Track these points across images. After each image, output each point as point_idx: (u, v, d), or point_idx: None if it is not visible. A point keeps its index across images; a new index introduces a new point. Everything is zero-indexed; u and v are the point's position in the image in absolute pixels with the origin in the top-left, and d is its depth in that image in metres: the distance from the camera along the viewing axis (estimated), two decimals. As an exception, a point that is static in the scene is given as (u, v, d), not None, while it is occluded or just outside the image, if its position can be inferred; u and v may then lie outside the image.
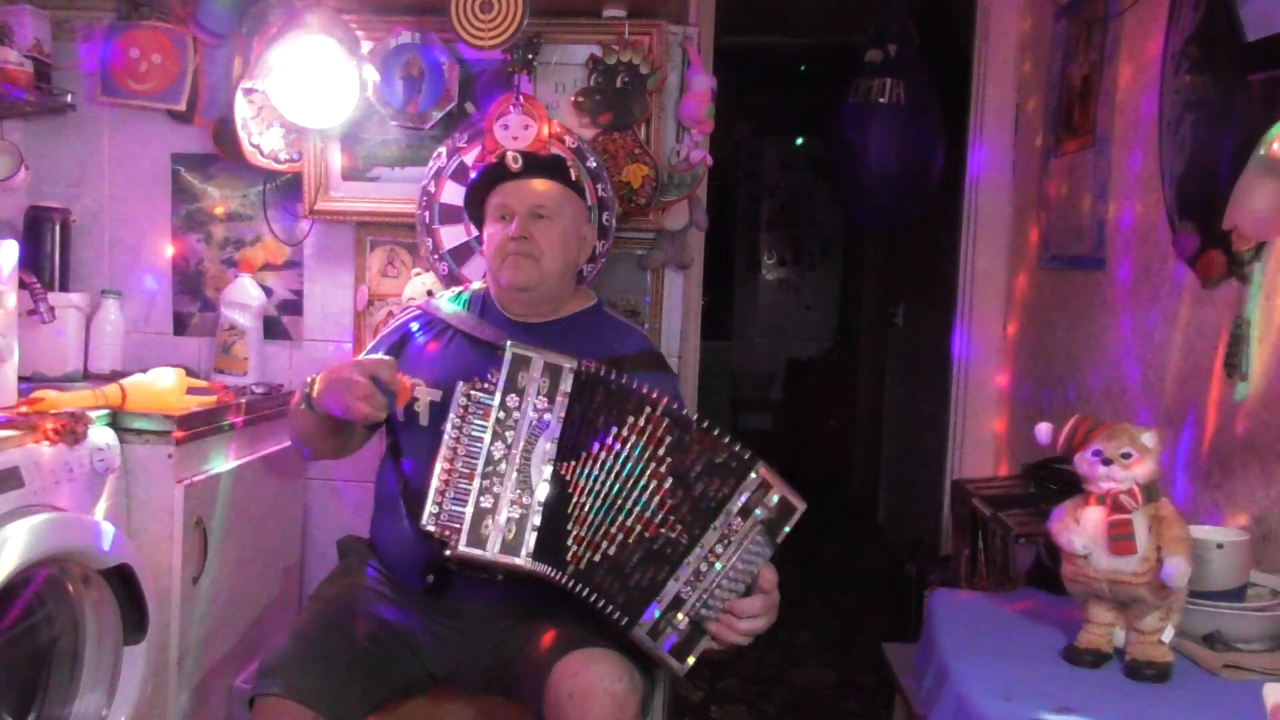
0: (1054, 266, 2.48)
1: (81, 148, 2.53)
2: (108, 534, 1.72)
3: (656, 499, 1.51)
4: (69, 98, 2.39)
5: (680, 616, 1.49)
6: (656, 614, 1.48)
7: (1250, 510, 1.55)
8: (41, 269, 2.30)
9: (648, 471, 1.52)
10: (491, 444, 1.53)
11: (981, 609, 1.57)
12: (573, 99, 2.34)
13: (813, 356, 6.44)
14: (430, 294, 2.26)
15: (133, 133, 2.52)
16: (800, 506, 1.52)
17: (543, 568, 1.52)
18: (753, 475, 1.50)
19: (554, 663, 1.51)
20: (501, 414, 1.54)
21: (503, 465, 1.52)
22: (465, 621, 1.70)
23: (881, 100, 3.29)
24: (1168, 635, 1.26)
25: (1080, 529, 1.28)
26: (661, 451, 1.52)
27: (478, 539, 1.50)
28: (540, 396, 1.54)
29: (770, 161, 7.04)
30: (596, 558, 1.52)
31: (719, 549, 1.49)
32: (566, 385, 1.55)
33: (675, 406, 1.56)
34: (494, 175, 1.85)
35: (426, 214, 2.32)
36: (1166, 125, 1.87)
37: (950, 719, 1.25)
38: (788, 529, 1.51)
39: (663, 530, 1.50)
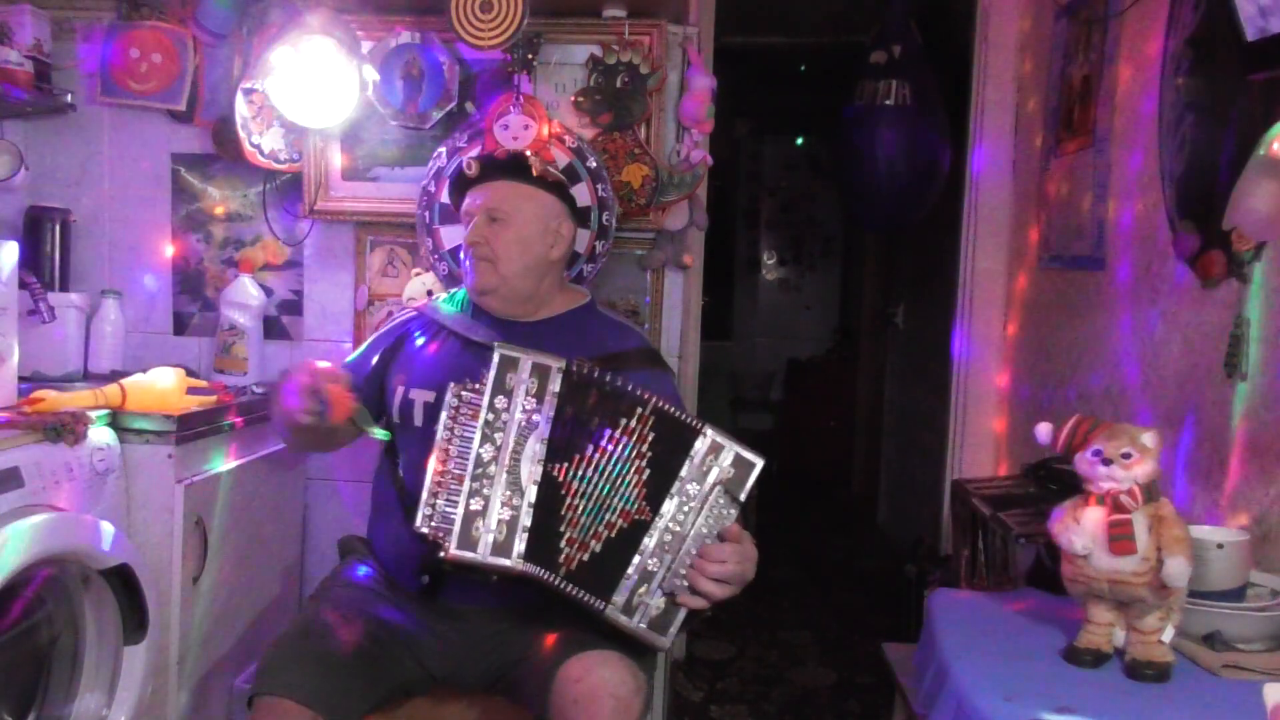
0: (1054, 266, 2.48)
1: (81, 148, 2.53)
2: (108, 534, 1.72)
3: (635, 491, 1.53)
4: (69, 98, 2.39)
5: (652, 589, 1.50)
6: (628, 591, 1.50)
7: (1250, 510, 1.55)
8: (41, 269, 2.31)
9: (632, 469, 1.54)
10: (480, 446, 1.52)
11: (981, 609, 1.57)
12: (573, 99, 2.34)
13: (813, 356, 6.44)
14: (430, 293, 2.27)
15: (133, 133, 2.52)
16: (758, 461, 1.53)
17: (533, 569, 1.52)
18: (699, 441, 1.52)
19: (558, 667, 1.51)
20: (490, 415, 1.53)
21: (492, 467, 1.52)
22: (464, 622, 1.70)
23: (887, 102, 3.28)
24: (1168, 635, 1.26)
25: (1080, 529, 1.28)
26: (645, 448, 1.54)
27: (469, 541, 1.50)
28: (529, 397, 1.54)
29: (770, 161, 7.03)
30: (586, 557, 1.52)
31: (680, 517, 1.51)
32: (555, 385, 1.55)
33: (662, 405, 1.55)
34: (459, 184, 1.86)
35: (426, 214, 2.32)
36: (1166, 125, 1.87)
37: (950, 719, 1.25)
38: (750, 485, 1.53)
39: (638, 517, 1.52)
